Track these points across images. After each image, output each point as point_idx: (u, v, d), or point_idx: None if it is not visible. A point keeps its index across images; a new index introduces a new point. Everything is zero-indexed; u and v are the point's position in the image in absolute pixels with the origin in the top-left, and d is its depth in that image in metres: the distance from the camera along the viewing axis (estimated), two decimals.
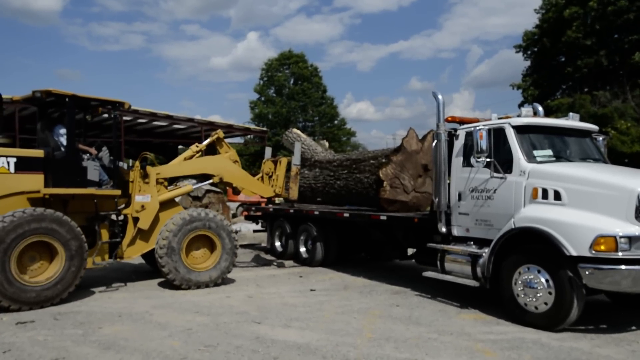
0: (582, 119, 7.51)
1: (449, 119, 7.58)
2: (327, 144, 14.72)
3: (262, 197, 10.63)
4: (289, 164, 10.30)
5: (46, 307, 6.93)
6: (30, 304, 6.83)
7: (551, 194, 6.09)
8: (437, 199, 7.37)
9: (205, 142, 9.88)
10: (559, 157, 6.81)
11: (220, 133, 9.97)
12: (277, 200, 13.84)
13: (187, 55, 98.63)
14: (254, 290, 8.24)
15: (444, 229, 7.37)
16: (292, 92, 44.63)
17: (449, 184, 7.40)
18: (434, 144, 7.42)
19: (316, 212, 10.46)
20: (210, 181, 9.58)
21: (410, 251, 9.78)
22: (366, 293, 8.04)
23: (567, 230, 5.69)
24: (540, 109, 7.79)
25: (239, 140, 33.96)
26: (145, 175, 8.66)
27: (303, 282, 9.00)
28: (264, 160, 10.64)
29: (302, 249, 11.07)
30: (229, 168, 9.65)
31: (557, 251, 5.72)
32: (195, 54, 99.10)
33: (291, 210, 11.19)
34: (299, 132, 13.36)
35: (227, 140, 10.14)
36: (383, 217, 8.76)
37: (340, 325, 6.12)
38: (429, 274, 7.62)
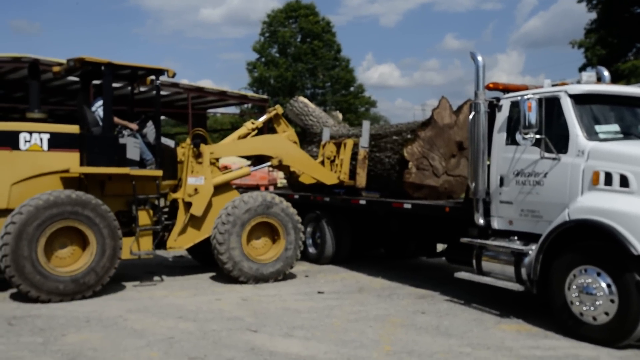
0: None
1: (491, 85, 7.53)
2: (340, 115, 14.68)
3: (325, 184, 10.67)
4: (355, 147, 10.56)
5: (77, 299, 7.55)
6: (59, 294, 7.43)
7: (616, 180, 6.02)
8: (473, 184, 7.36)
9: (262, 119, 10.51)
10: (627, 133, 6.74)
11: (279, 109, 10.64)
12: (278, 183, 13.85)
13: (171, 5, 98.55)
14: (249, 292, 8.32)
15: (481, 221, 7.37)
16: (299, 52, 44.43)
17: (488, 166, 7.39)
18: (471, 117, 7.38)
19: (326, 199, 10.52)
20: (269, 164, 10.08)
21: (439, 247, 9.81)
22: (385, 297, 8.09)
23: (636, 224, 5.64)
24: (605, 73, 7.70)
25: (234, 110, 33.86)
26: (198, 155, 9.05)
27: (309, 283, 9.10)
28: (322, 143, 11.11)
29: (309, 243, 11.13)
30: (289, 149, 10.17)
31: (622, 249, 5.67)
32: (181, 4, 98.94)
33: (296, 196, 11.23)
34: (306, 101, 13.33)
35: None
36: (407, 206, 8.78)
37: (352, 336, 6.16)
38: (462, 274, 7.65)
